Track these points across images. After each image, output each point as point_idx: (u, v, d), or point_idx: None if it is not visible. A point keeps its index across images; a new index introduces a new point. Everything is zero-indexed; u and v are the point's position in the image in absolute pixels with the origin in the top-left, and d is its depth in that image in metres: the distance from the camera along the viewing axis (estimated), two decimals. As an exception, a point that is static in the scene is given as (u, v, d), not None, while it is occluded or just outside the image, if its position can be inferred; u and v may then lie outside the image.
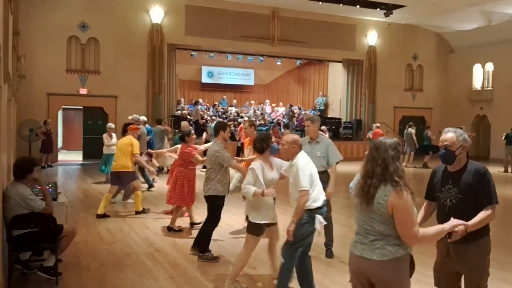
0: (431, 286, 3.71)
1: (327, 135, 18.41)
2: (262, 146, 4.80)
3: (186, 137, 7.49)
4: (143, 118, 12.95)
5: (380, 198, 2.80)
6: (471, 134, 17.83)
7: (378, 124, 19.28)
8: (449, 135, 3.38)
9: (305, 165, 4.44)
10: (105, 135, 12.08)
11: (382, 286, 2.88)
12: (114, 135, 12.16)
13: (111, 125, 12.39)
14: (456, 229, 3.08)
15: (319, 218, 4.39)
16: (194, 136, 7.95)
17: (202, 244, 6.07)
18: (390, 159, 2.83)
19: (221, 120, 18.66)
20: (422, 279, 4.68)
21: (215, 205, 6.01)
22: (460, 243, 3.22)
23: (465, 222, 3.12)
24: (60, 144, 20.38)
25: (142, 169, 10.86)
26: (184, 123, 12.49)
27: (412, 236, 2.78)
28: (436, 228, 2.99)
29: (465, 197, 3.31)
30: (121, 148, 8.57)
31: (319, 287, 4.96)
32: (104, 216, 8.43)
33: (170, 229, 7.52)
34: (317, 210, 4.42)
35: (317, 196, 4.45)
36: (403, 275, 2.88)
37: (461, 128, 3.72)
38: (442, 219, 3.33)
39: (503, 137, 17.57)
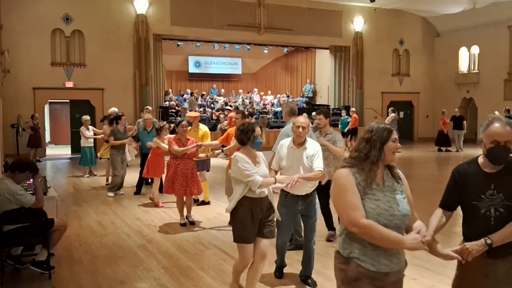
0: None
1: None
2: (241, 138, 4.24)
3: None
4: (114, 109, 12.78)
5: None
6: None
7: (353, 109, 19.61)
8: (507, 128, 2.61)
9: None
10: (83, 128, 12.07)
11: None
12: (90, 127, 12.23)
13: (86, 117, 12.36)
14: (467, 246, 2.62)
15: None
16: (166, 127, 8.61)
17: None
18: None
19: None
20: None
21: None
22: (504, 257, 2.65)
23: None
24: (48, 138, 20.21)
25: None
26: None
27: (348, 218, 2.43)
28: (395, 235, 2.42)
29: None
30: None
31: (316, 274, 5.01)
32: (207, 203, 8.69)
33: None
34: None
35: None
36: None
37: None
38: (482, 234, 2.64)
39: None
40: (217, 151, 7.27)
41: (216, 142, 7.49)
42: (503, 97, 21.13)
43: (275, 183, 4.24)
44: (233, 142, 6.99)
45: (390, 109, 18.85)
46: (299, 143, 4.60)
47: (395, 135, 2.53)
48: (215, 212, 8.15)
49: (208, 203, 8.77)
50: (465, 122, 18.56)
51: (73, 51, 17.72)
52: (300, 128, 4.52)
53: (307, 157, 4.54)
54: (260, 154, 4.37)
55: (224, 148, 7.18)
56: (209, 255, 5.86)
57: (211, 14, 19.67)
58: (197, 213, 7.88)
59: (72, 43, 17.68)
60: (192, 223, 7.33)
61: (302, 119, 4.63)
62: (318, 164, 4.53)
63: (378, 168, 2.50)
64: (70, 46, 17.65)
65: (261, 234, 4.20)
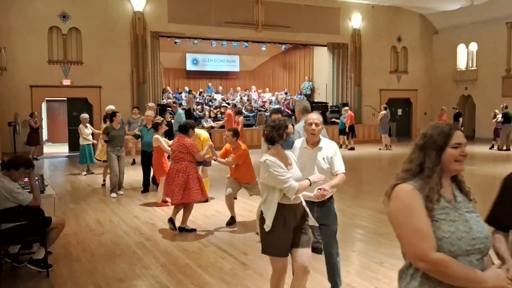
0: None
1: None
2: (272, 136, 3.74)
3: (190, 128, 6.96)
4: (111, 107, 12.73)
5: None
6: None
7: (346, 108, 19.59)
8: None
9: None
10: (81, 126, 12.03)
11: None
12: (89, 125, 12.20)
13: (85, 115, 12.31)
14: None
15: None
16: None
17: None
18: None
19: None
20: None
21: None
22: None
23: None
24: (45, 136, 20.14)
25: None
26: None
27: (415, 250, 1.91)
28: (475, 273, 1.90)
29: None
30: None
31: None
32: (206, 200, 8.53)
33: (182, 230, 6.78)
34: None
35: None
36: None
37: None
38: None
39: (500, 117, 17.65)
40: (214, 157, 7.36)
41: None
42: (501, 94, 21.12)
43: (310, 184, 3.76)
44: (230, 159, 7.09)
45: (382, 106, 18.86)
46: (313, 142, 4.11)
47: (457, 138, 2.02)
48: (214, 210, 8.14)
49: (206, 201, 8.74)
50: (461, 118, 18.54)
51: (70, 48, 17.62)
52: (313, 125, 4.03)
53: (323, 158, 4.08)
54: (290, 154, 3.92)
55: (218, 159, 7.20)
56: (208, 253, 5.84)
57: (209, 12, 19.60)
58: (195, 211, 7.84)
59: (69, 40, 17.58)
60: (193, 230, 6.88)
61: (315, 115, 4.17)
62: (340, 167, 4.10)
63: (441, 186, 1.99)
64: (67, 44, 17.55)
65: (297, 244, 3.73)
